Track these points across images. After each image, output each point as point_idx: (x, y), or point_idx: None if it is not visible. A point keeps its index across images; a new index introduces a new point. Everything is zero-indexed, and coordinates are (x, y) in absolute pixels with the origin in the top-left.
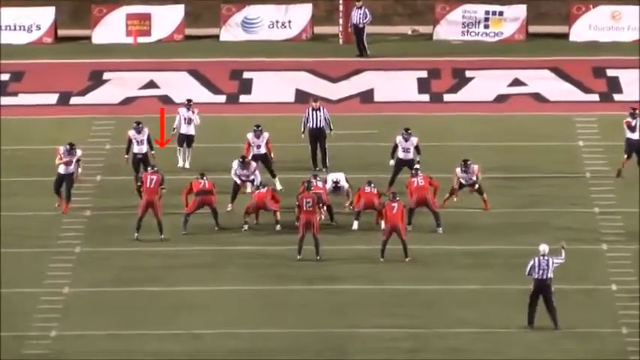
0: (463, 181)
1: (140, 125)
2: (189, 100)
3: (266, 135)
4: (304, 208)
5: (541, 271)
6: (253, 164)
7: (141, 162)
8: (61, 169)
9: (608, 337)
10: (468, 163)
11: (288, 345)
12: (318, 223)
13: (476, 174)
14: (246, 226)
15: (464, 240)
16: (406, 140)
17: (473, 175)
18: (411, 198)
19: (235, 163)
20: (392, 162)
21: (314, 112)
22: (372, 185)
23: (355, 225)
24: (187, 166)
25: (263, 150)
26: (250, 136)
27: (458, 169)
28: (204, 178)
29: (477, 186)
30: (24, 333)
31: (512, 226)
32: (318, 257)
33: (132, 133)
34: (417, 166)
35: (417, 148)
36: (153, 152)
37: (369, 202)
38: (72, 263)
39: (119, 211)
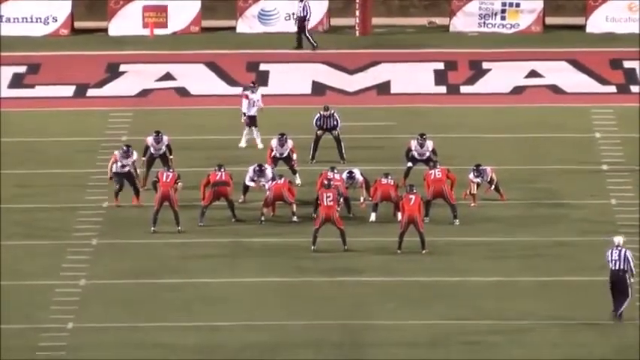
0: (480, 184)
1: (160, 135)
2: (253, 83)
3: (290, 143)
4: (325, 203)
5: (614, 262)
6: (269, 173)
7: (155, 160)
8: (116, 169)
9: (626, 330)
10: (480, 167)
11: (307, 337)
12: (337, 217)
13: (490, 176)
14: (263, 218)
15: (481, 232)
16: (421, 146)
17: (487, 178)
18: (428, 190)
19: (251, 170)
20: (409, 164)
21: (325, 119)
22: (390, 177)
23: (373, 217)
24: (260, 145)
25: (286, 154)
26: (274, 143)
27: (471, 175)
28: (222, 169)
29: (493, 187)
30: (41, 325)
31: (529, 218)
32: (346, 247)
33: (150, 140)
34: (434, 158)
35: (433, 151)
36: (172, 157)
37: (385, 194)
38: (89, 255)
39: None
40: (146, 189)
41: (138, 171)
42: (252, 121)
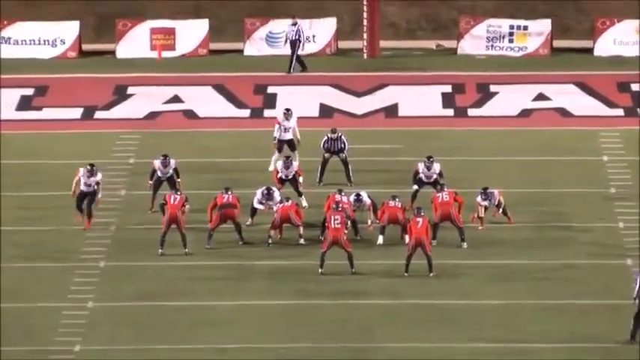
0: (488, 207)
1: (167, 159)
2: (287, 109)
3: (295, 166)
4: (332, 226)
5: None
6: (277, 196)
7: (162, 183)
8: (83, 187)
9: (632, 353)
10: (488, 190)
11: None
12: (345, 239)
13: (497, 199)
14: (270, 241)
15: (488, 255)
16: (429, 169)
17: (495, 201)
18: (436, 213)
19: (259, 194)
20: (415, 187)
21: (332, 142)
22: (397, 200)
23: (380, 239)
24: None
25: (291, 176)
26: (280, 165)
27: (479, 198)
28: (229, 192)
29: (500, 210)
30: (48, 347)
31: (537, 240)
32: (353, 270)
33: (157, 164)
34: (441, 181)
35: (440, 174)
36: (179, 180)
37: (393, 217)
38: (96, 278)
39: (143, 225)
40: (154, 211)
41: (100, 194)
42: (288, 144)
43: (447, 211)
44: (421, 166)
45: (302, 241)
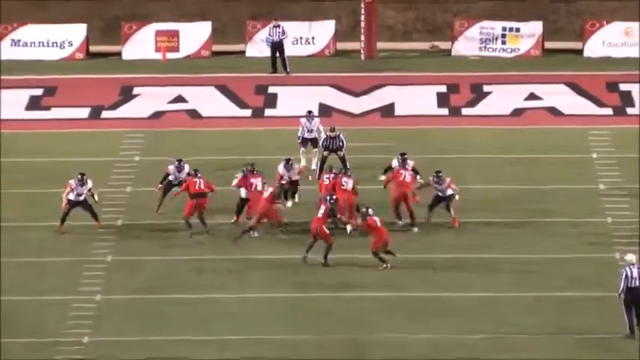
0: (440, 194)
1: (182, 163)
2: (309, 112)
3: (297, 167)
4: (317, 215)
5: (634, 280)
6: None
7: (173, 187)
8: (72, 197)
9: (622, 344)
10: (440, 174)
11: (313, 351)
12: (325, 231)
13: (448, 184)
14: (255, 233)
15: (479, 249)
16: (403, 165)
17: (447, 188)
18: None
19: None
20: (382, 177)
21: (331, 140)
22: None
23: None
24: (313, 166)
25: (294, 178)
26: (281, 169)
27: (431, 179)
28: (199, 175)
29: (456, 197)
30: (57, 339)
31: (527, 235)
32: (324, 262)
33: (172, 169)
34: (409, 161)
35: (414, 170)
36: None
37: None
38: (104, 271)
39: (149, 220)
40: (160, 214)
41: (96, 197)
42: (310, 142)
43: (404, 192)
44: (395, 163)
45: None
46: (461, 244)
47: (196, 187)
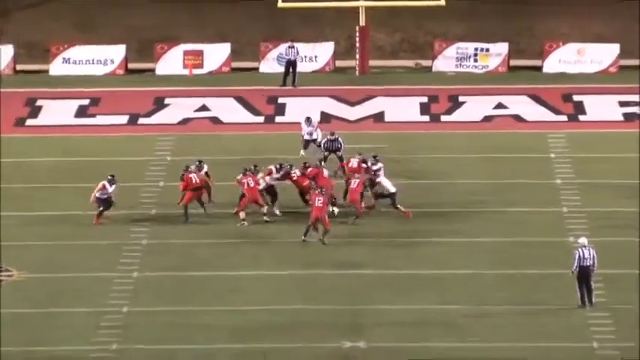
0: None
1: (201, 163)
2: (308, 118)
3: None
4: (315, 205)
5: (586, 260)
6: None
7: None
8: (98, 194)
9: (573, 313)
10: (377, 157)
11: (317, 318)
12: (326, 218)
13: (379, 169)
14: (245, 223)
15: (459, 233)
16: (373, 165)
17: (376, 167)
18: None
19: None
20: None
21: (331, 142)
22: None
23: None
24: (319, 139)
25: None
26: (273, 170)
27: (370, 162)
28: (190, 170)
29: (379, 179)
30: (101, 309)
31: (498, 222)
32: (324, 242)
33: (192, 168)
34: (379, 163)
35: (376, 171)
36: (211, 180)
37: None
38: (140, 252)
39: (178, 210)
40: (182, 205)
41: (114, 198)
42: (311, 143)
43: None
44: (354, 163)
45: (266, 218)
46: (445, 229)
47: (193, 182)
